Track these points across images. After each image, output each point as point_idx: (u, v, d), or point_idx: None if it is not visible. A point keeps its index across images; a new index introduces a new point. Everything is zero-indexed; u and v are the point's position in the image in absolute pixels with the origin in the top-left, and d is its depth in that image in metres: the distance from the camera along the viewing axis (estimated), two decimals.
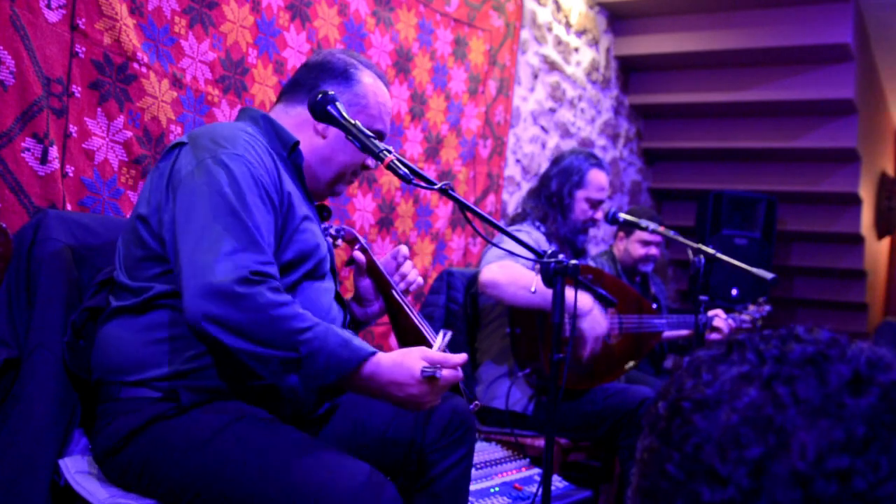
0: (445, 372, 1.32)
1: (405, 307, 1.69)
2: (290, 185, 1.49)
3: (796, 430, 0.46)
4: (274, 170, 1.43)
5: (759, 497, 0.45)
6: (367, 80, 1.61)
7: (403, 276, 1.74)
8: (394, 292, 1.70)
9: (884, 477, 0.44)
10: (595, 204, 2.63)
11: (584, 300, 2.34)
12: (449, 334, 1.54)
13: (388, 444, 1.57)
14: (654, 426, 0.52)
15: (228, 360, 1.36)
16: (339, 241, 1.71)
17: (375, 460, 1.52)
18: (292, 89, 1.61)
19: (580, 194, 2.61)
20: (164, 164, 1.44)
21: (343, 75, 1.60)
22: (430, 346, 1.58)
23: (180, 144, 1.43)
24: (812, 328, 0.52)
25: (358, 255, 1.68)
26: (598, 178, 2.63)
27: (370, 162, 1.64)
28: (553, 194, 2.63)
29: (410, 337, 1.68)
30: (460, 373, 1.36)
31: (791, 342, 0.50)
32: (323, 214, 1.68)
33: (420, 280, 1.76)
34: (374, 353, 1.30)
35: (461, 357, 1.36)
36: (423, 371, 1.30)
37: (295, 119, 1.58)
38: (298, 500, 1.25)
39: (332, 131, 1.57)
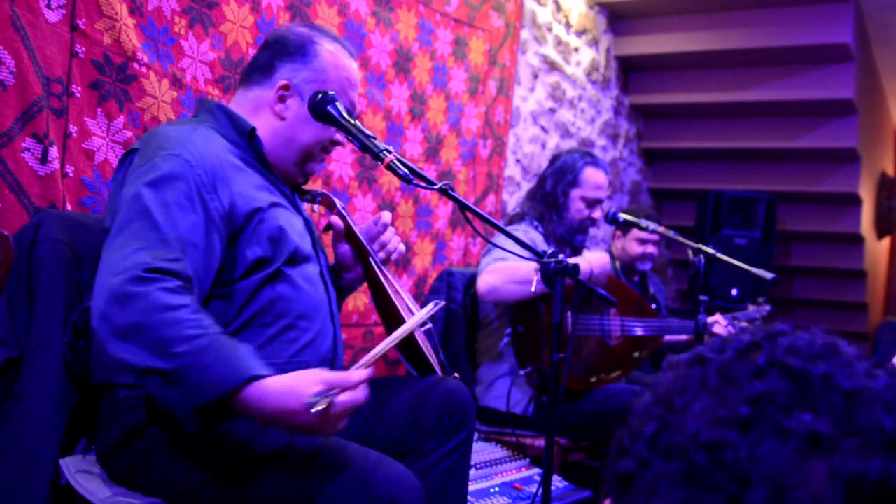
0: (343, 396, 1.16)
1: (381, 278, 1.63)
2: (250, 176, 1.44)
3: (687, 408, 0.49)
4: (219, 169, 1.37)
5: (649, 468, 0.48)
6: (327, 53, 1.55)
7: (383, 245, 1.67)
8: (371, 261, 1.64)
9: (760, 455, 0.45)
10: (592, 203, 2.61)
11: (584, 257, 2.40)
12: (439, 305, 1.50)
13: (386, 432, 1.55)
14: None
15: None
16: (316, 206, 1.67)
17: (372, 446, 1.53)
18: (250, 72, 1.58)
19: (575, 193, 2.60)
20: (119, 173, 1.41)
21: (299, 51, 1.54)
22: (403, 321, 1.55)
23: (133, 151, 1.40)
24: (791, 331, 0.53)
25: (335, 220, 1.63)
26: (593, 176, 2.61)
27: (339, 137, 1.58)
28: (548, 194, 2.62)
29: (386, 311, 1.63)
30: (362, 394, 1.19)
31: (756, 351, 0.52)
32: (305, 195, 1.64)
33: (401, 248, 1.69)
34: (260, 376, 1.15)
35: (362, 375, 1.19)
36: (308, 402, 1.12)
37: (253, 103, 1.54)
38: (318, 492, 1.26)
39: (291, 111, 1.52)
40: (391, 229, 1.69)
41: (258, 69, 1.56)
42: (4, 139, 1.61)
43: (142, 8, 1.90)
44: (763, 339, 0.50)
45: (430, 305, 1.47)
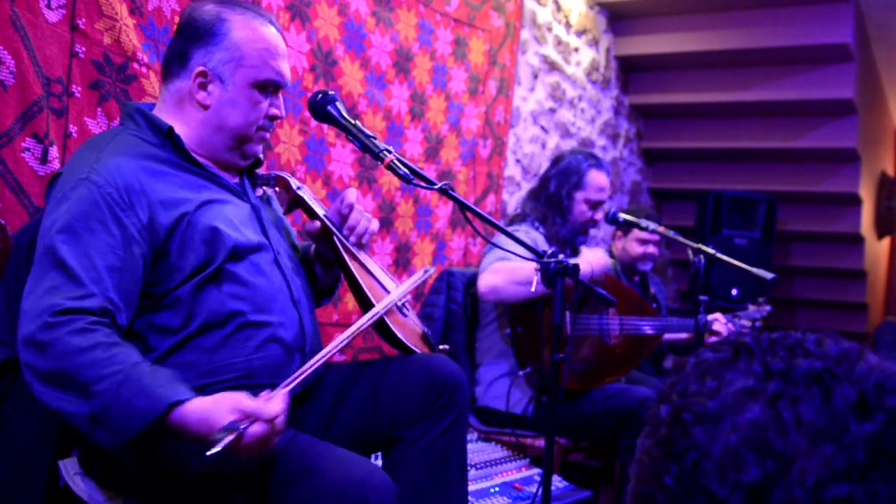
0: (254, 428, 1.13)
1: (349, 261, 1.55)
2: (169, 180, 1.38)
3: (797, 455, 0.45)
4: (133, 182, 1.32)
5: None
6: (237, 28, 1.44)
7: (352, 229, 1.58)
8: (337, 244, 1.56)
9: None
10: (595, 205, 2.62)
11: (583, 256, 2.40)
12: (430, 271, 1.46)
13: (368, 419, 1.51)
14: (655, 431, 0.52)
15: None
16: (270, 191, 1.59)
17: (361, 438, 1.50)
18: (168, 64, 1.47)
19: (579, 195, 2.60)
20: (47, 197, 1.40)
21: (208, 34, 1.43)
22: (372, 305, 1.49)
23: (58, 175, 1.38)
24: (821, 340, 0.51)
25: (309, 224, 1.56)
26: (597, 178, 2.62)
27: (276, 111, 1.49)
28: (552, 195, 2.62)
29: (358, 295, 1.55)
30: (274, 427, 1.16)
31: (798, 356, 0.49)
32: (258, 180, 1.57)
33: (373, 226, 1.60)
34: (180, 402, 1.14)
35: (276, 408, 1.16)
36: (215, 437, 1.10)
37: (175, 96, 1.45)
38: (294, 494, 1.25)
39: (214, 97, 1.44)
40: (358, 208, 1.58)
41: (174, 60, 1.47)
42: (4, 139, 1.61)
43: (142, 8, 1.89)
44: (833, 366, 0.48)
45: (419, 273, 1.42)
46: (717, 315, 2.96)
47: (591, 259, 2.39)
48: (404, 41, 2.77)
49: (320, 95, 1.47)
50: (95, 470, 1.38)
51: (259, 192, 1.56)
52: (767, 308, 3.15)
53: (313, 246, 1.65)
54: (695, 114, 4.66)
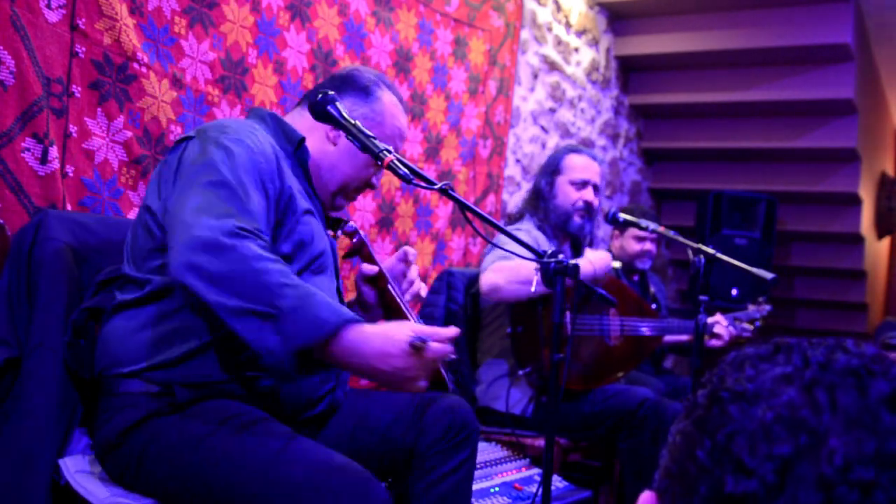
0: (435, 345, 1.24)
1: (405, 311, 1.66)
2: (292, 179, 1.50)
3: (828, 435, 0.46)
4: (274, 161, 1.45)
5: (781, 494, 0.46)
6: (388, 100, 1.65)
7: (412, 283, 1.72)
8: (395, 296, 1.67)
9: None
10: (580, 185, 2.60)
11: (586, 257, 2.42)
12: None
13: (386, 445, 1.56)
14: (691, 412, 0.53)
15: (223, 345, 1.36)
16: (339, 233, 1.71)
17: (374, 462, 1.52)
18: (315, 93, 1.61)
19: (560, 180, 2.62)
20: (173, 156, 1.46)
21: (365, 90, 1.64)
22: None
23: (188, 138, 1.46)
24: (860, 343, 0.52)
25: (367, 267, 1.67)
26: (574, 160, 2.63)
27: (375, 181, 1.67)
28: (537, 189, 2.67)
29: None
30: (450, 348, 1.28)
31: (837, 352, 0.51)
32: (332, 222, 1.69)
33: (424, 290, 1.76)
34: (359, 321, 1.23)
35: (452, 330, 1.28)
36: (410, 341, 1.22)
37: (307, 123, 1.59)
38: (285, 498, 1.25)
39: (343, 141, 1.59)
40: (415, 268, 1.73)
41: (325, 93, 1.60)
42: (4, 139, 1.61)
43: (142, 8, 1.90)
44: (870, 363, 0.49)
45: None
46: (718, 317, 2.96)
47: (594, 259, 2.40)
48: (404, 41, 2.77)
49: (320, 95, 1.47)
50: (111, 467, 1.38)
51: (331, 237, 1.68)
52: (767, 308, 3.15)
53: (348, 302, 1.76)
54: (695, 114, 4.66)
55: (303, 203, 1.51)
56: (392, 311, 1.67)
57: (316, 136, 1.61)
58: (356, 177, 1.63)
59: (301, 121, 1.62)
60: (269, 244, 1.29)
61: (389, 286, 1.67)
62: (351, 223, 1.73)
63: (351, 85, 1.64)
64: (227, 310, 1.20)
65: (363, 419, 1.59)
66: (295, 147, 1.56)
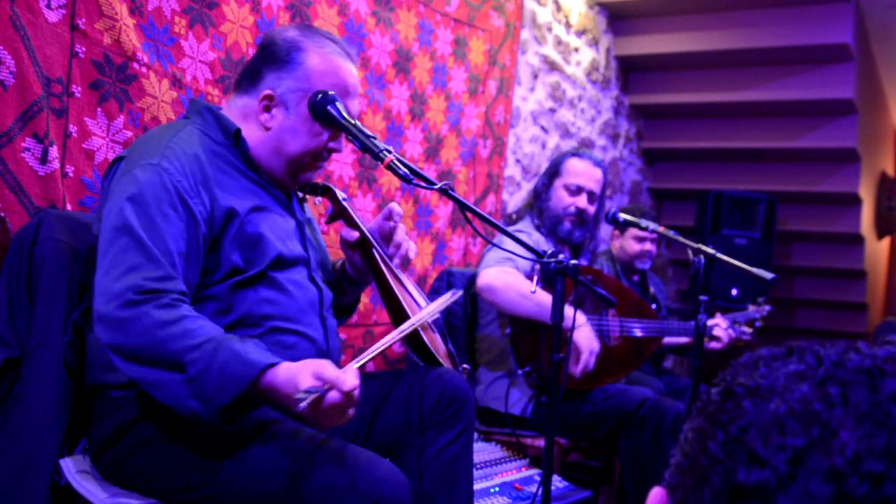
0: (332, 394, 1.15)
1: (388, 275, 1.59)
2: (230, 180, 1.44)
3: (841, 428, 0.47)
4: (198, 174, 1.38)
5: (792, 484, 0.46)
6: (312, 61, 1.49)
7: (398, 246, 1.62)
8: (377, 258, 1.59)
9: None
10: (574, 191, 2.59)
11: (579, 317, 2.31)
12: (456, 294, 1.49)
13: (380, 423, 1.54)
14: (704, 409, 0.54)
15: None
16: (317, 200, 1.64)
17: (370, 441, 1.52)
18: (241, 79, 1.56)
19: (557, 182, 2.62)
20: (106, 180, 1.43)
21: (283, 59, 1.49)
22: (408, 317, 1.52)
23: (120, 159, 1.42)
24: (872, 345, 0.53)
25: (349, 233, 1.60)
26: (575, 165, 2.62)
27: (334, 144, 1.53)
28: (537, 191, 2.68)
29: (392, 307, 1.60)
30: (351, 397, 1.17)
31: (850, 352, 0.52)
32: (305, 188, 1.62)
33: (413, 249, 1.65)
34: (270, 365, 1.19)
35: (353, 381, 1.16)
36: (296, 397, 1.13)
37: (241, 110, 1.52)
38: (295, 498, 1.25)
39: (276, 122, 1.49)
40: (402, 227, 1.64)
41: (247, 76, 1.53)
42: (4, 139, 1.61)
43: (142, 8, 1.90)
44: (882, 364, 0.50)
45: (447, 295, 1.46)
46: (718, 320, 2.96)
47: (582, 339, 2.30)
48: (404, 41, 2.77)
49: (320, 95, 1.47)
50: (104, 466, 1.38)
51: (308, 201, 1.62)
52: (767, 308, 3.16)
53: (340, 262, 1.71)
54: (695, 114, 4.66)
55: (248, 202, 1.44)
56: (379, 278, 1.60)
57: (251, 124, 1.51)
58: (305, 151, 1.51)
59: (234, 109, 1.53)
60: (177, 290, 1.26)
61: (374, 251, 1.59)
62: (324, 183, 1.64)
63: (271, 57, 1.50)
64: (146, 383, 1.21)
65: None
66: (233, 140, 1.48)
